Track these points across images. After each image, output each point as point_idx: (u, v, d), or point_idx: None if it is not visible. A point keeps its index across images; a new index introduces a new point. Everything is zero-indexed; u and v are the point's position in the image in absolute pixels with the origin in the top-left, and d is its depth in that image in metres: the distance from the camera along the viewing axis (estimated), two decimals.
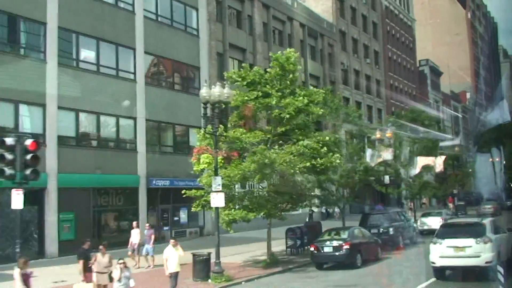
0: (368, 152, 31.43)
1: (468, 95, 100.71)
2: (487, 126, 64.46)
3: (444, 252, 14.65)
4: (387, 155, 32.69)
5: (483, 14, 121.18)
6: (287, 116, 19.57)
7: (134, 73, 28.69)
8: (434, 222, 30.92)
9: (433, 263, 15.09)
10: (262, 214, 19.43)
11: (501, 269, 12.52)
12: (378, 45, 60.86)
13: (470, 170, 59.77)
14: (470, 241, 14.42)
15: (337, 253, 18.21)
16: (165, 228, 29.82)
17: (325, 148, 19.52)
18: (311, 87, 39.98)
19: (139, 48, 28.97)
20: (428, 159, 34.47)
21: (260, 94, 19.94)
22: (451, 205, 47.41)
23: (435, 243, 15.08)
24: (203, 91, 16.93)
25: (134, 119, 28.33)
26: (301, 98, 19.84)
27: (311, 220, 32.29)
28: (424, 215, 32.00)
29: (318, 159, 19.32)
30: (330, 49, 49.91)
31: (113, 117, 27.40)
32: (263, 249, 24.62)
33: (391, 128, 32.81)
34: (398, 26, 67.47)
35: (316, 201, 25.42)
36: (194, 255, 16.99)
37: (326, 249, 18.35)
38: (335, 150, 20.92)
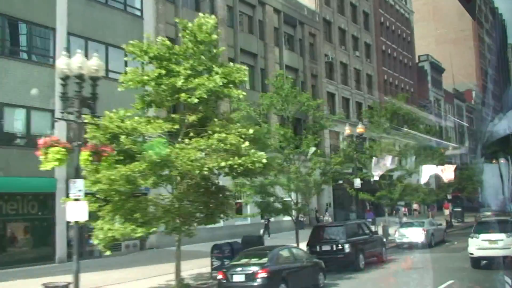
0: (373, 160, 26.81)
1: (474, 94, 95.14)
2: (494, 135, 61.40)
3: (480, 245, 17.52)
4: (388, 163, 27.99)
5: (490, 10, 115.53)
6: (195, 100, 14.89)
7: (53, 58, 24.18)
8: (414, 234, 26.08)
9: (471, 254, 17.92)
10: (160, 228, 14.76)
11: (508, 280, 12.55)
12: (370, 37, 55.96)
13: (474, 174, 54.43)
14: (502, 236, 17.25)
15: (252, 284, 13.44)
16: (91, 241, 25.17)
17: (246, 144, 14.76)
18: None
19: (60, 28, 24.46)
20: (434, 167, 29.52)
21: (163, 72, 15.27)
22: (447, 211, 42.30)
23: (472, 238, 17.98)
24: (59, 62, 12.36)
25: (52, 111, 23.80)
26: (216, 77, 15.16)
27: (267, 231, 27.44)
28: (403, 226, 27.06)
29: (237, 157, 14.60)
30: (311, 39, 45.15)
31: (22, 109, 22.91)
32: (197, 269, 20.10)
33: (364, 123, 28.00)
34: (394, 17, 62.47)
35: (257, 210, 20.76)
36: (46, 286, 12.35)
37: (236, 278, 13.57)
38: (269, 145, 16.23)
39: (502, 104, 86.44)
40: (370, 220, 42.71)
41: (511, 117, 61.89)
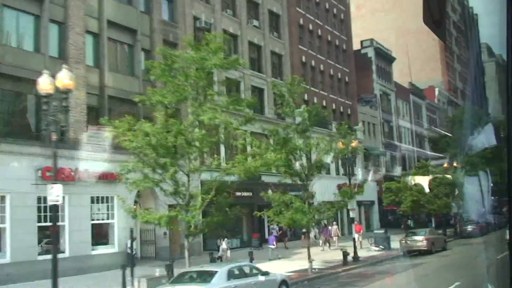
0: None
1: (437, 92, 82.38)
2: (474, 148, 53.21)
3: None
4: None
5: (458, 2, 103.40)
6: None
7: None
8: None
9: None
10: None
11: None
12: (279, 5, 42.85)
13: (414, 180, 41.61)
14: None
15: None
16: None
17: None
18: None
19: None
20: None
21: None
22: (358, 236, 28.83)
23: None
24: None
25: None
26: None
27: None
28: (175, 281, 13.35)
29: None
30: None
31: None
32: None
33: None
34: None
35: None
36: None
37: None
38: None
39: (474, 104, 75.11)
40: (271, 247, 29.57)
41: (488, 131, 52.38)
